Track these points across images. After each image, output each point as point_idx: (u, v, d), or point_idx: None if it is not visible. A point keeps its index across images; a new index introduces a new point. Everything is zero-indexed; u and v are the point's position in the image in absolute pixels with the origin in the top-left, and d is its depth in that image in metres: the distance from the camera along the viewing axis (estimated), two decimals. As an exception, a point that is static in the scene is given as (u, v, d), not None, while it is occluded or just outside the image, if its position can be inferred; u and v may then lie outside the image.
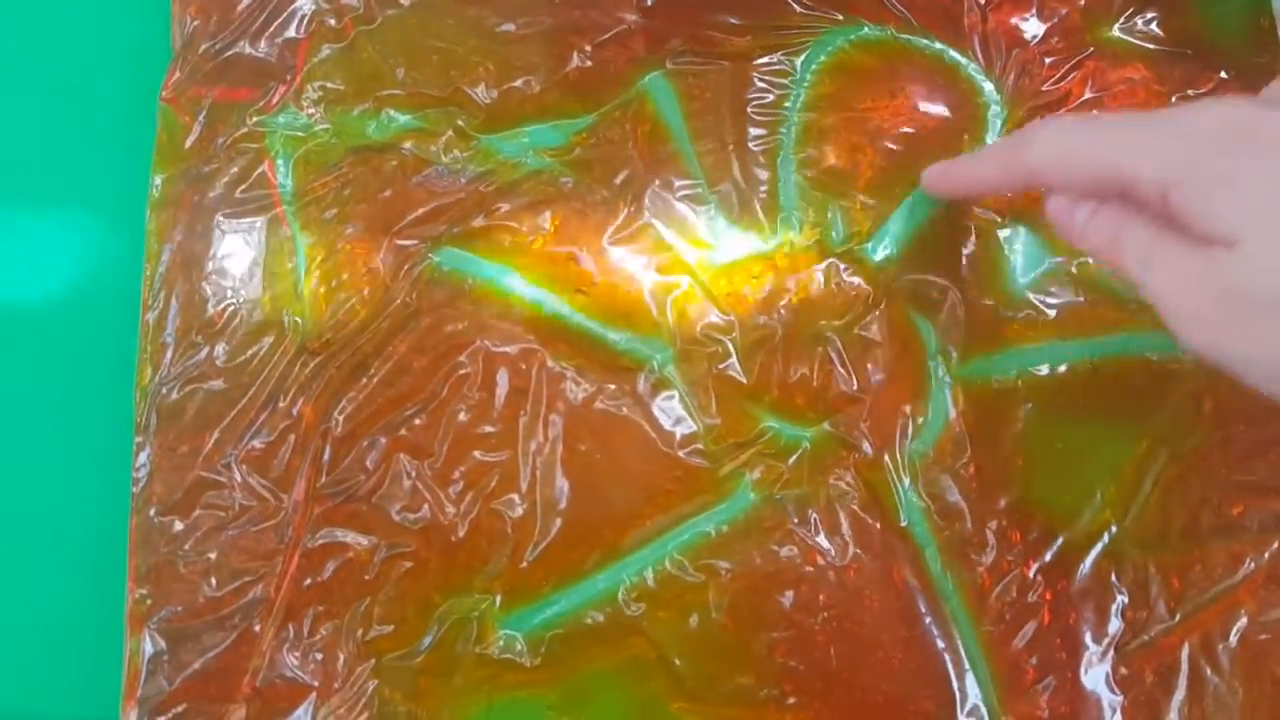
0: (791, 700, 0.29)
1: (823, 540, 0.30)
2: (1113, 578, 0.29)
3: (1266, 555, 0.30)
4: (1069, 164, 0.24)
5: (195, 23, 0.32)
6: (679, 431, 0.30)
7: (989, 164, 0.27)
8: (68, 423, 0.31)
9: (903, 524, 0.30)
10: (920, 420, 0.31)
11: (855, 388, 0.31)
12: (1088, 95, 0.33)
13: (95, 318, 0.32)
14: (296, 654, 0.28)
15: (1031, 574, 0.29)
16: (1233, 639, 0.29)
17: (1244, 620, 0.29)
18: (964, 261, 0.32)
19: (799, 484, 0.30)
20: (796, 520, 0.30)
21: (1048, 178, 0.25)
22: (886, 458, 0.30)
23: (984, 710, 0.28)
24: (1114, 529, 0.30)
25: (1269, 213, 0.20)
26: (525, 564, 0.29)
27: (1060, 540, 0.30)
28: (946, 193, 0.30)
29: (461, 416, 0.30)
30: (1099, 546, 0.30)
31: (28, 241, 0.32)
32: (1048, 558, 0.30)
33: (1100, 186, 0.24)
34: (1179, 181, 0.21)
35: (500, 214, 0.31)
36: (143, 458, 0.29)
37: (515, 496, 0.29)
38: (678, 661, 0.29)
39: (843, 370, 0.31)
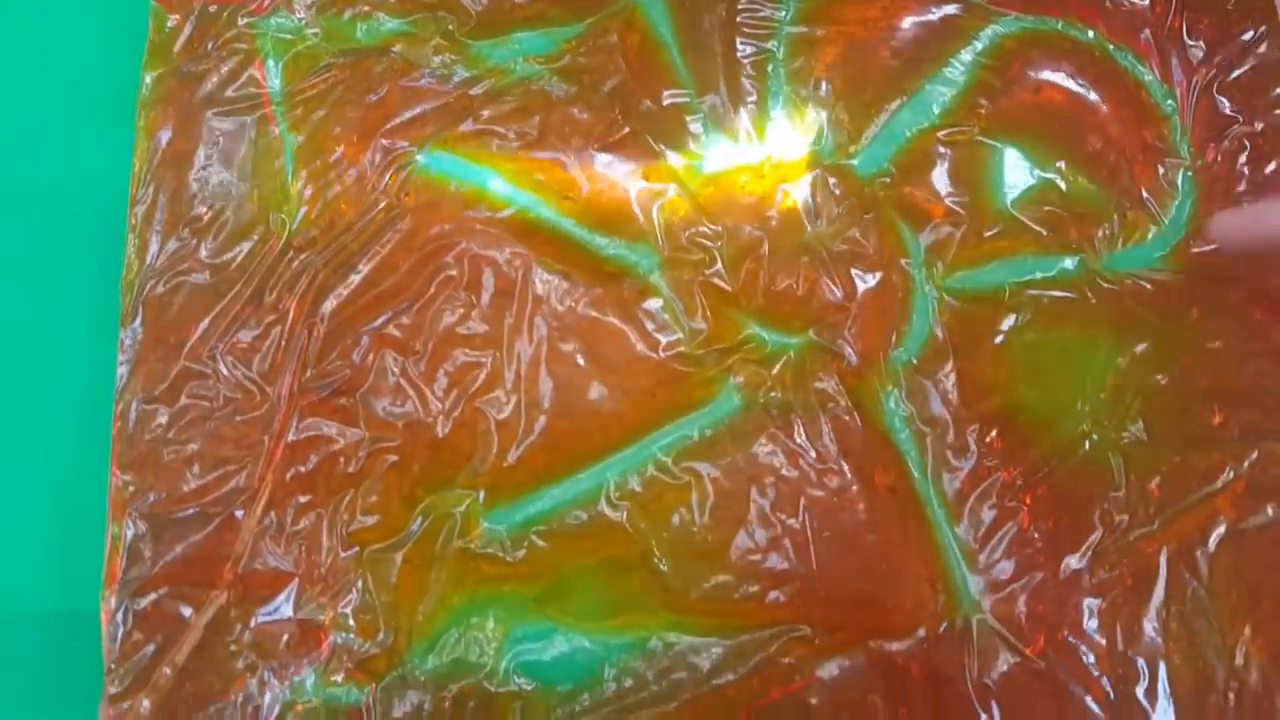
0: (771, 598, 0.29)
1: (805, 445, 0.30)
2: (1092, 483, 0.30)
3: (1246, 464, 0.30)
4: None
5: (187, -73, 0.32)
6: (664, 337, 0.30)
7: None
8: (53, 315, 0.31)
9: (885, 430, 0.30)
10: (904, 329, 0.31)
11: (840, 297, 0.31)
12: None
13: (82, 213, 0.32)
14: (279, 543, 0.28)
15: (1011, 479, 0.30)
16: (1211, 545, 0.29)
17: (1223, 528, 0.29)
18: (950, 175, 0.32)
19: (783, 390, 0.30)
20: (780, 425, 0.30)
21: None
22: (870, 366, 0.30)
23: (964, 609, 0.29)
24: (1094, 437, 0.30)
25: None
26: (509, 462, 0.29)
27: (1041, 447, 0.30)
28: (1231, 241, 0.30)
29: (447, 316, 0.30)
30: (1079, 453, 0.30)
31: (15, 138, 0.32)
32: (1028, 464, 0.30)
33: None
34: None
35: (487, 119, 0.31)
36: (127, 348, 0.29)
37: (500, 395, 0.30)
38: (659, 560, 0.29)
39: (828, 280, 0.31)
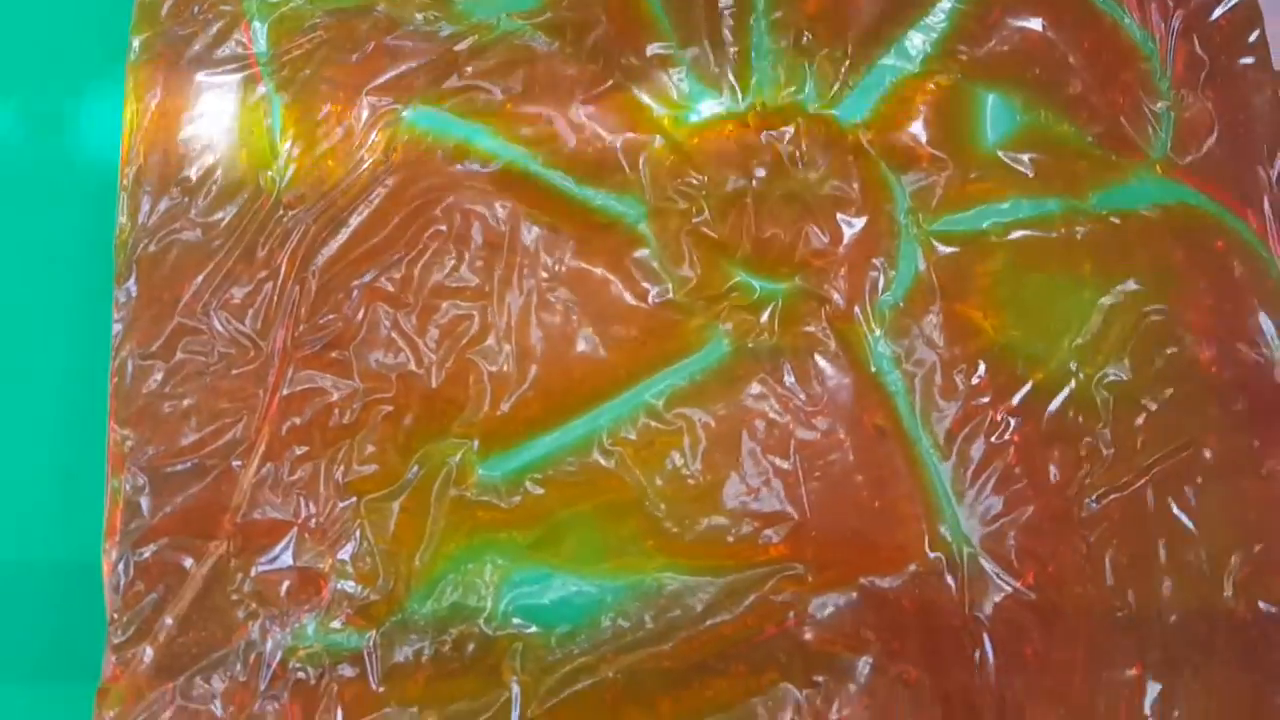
0: (764, 538, 0.29)
1: (795, 388, 0.30)
2: (1079, 420, 0.30)
3: (1237, 403, 0.30)
4: None
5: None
6: (652, 286, 0.31)
7: None
8: (47, 276, 0.31)
9: (873, 371, 0.30)
10: (891, 274, 0.31)
11: (827, 243, 0.31)
12: None
13: (73, 176, 0.32)
14: (277, 493, 0.28)
15: (999, 418, 0.30)
16: (1199, 480, 0.30)
17: (1210, 461, 0.30)
18: (933, 121, 0.32)
19: (772, 335, 0.30)
20: (769, 370, 0.30)
21: None
22: (857, 309, 0.31)
23: (954, 546, 0.29)
24: (1081, 375, 0.30)
25: None
26: (502, 411, 0.30)
27: (1028, 386, 0.30)
28: None
29: (437, 270, 0.30)
30: (1066, 391, 0.30)
31: (5, 103, 0.33)
32: (1015, 402, 0.30)
33: None
34: None
35: (472, 74, 0.32)
36: (122, 306, 0.29)
37: (491, 346, 0.30)
38: (652, 504, 0.29)
39: (814, 227, 0.31)
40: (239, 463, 0.28)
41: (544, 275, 0.30)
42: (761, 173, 0.31)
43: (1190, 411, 0.30)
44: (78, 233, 0.31)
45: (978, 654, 0.28)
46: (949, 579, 0.29)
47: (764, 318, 0.30)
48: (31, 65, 0.33)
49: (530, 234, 0.31)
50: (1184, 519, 0.29)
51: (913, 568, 0.29)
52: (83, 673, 0.28)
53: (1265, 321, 0.31)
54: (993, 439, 0.30)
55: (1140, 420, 0.30)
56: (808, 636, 0.28)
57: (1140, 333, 0.31)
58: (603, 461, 0.29)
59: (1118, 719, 0.28)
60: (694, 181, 0.31)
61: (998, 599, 0.29)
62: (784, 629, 0.29)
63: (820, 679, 0.28)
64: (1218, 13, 0.34)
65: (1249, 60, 0.33)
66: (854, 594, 0.29)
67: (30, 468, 0.30)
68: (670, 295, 0.30)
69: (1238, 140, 0.33)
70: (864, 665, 0.28)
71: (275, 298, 0.30)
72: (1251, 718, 0.28)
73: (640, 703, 0.28)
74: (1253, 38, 0.34)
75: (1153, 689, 0.28)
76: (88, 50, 0.33)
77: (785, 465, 0.30)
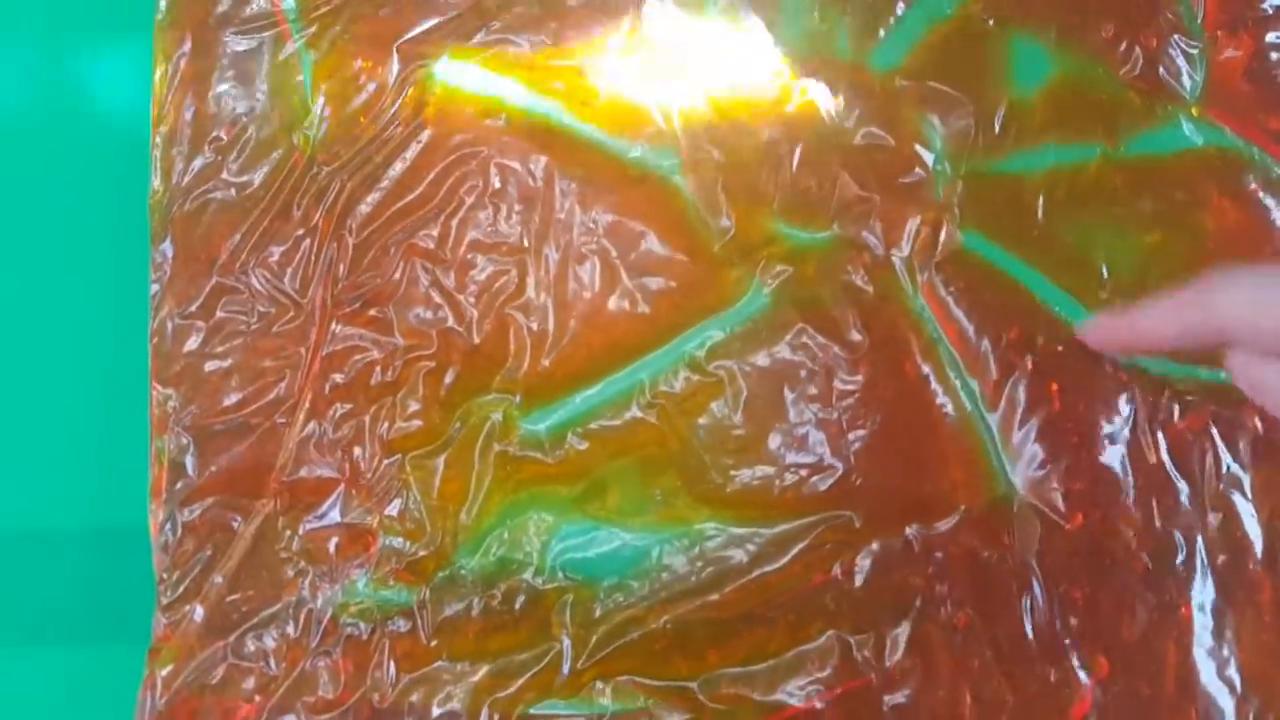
0: (808, 488, 0.29)
1: (836, 337, 0.30)
2: (1120, 368, 0.30)
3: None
4: (1265, 322, 0.21)
5: None
6: (689, 237, 0.30)
7: (1164, 320, 0.24)
8: (82, 239, 0.31)
9: (915, 319, 0.30)
10: (928, 220, 0.31)
11: (863, 191, 0.31)
12: None
13: (105, 138, 0.32)
14: (322, 451, 0.28)
15: (1040, 365, 0.30)
16: (1248, 421, 0.30)
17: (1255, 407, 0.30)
18: (967, 68, 0.32)
19: (811, 284, 0.30)
20: (809, 319, 0.30)
21: (1242, 336, 0.22)
22: (895, 257, 0.31)
23: (1000, 490, 0.29)
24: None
25: None
26: (543, 366, 0.29)
27: (1067, 332, 0.30)
28: (1109, 349, 0.28)
29: (473, 224, 0.30)
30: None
31: (34, 67, 0.32)
32: (1058, 349, 0.30)
33: None
34: None
35: (503, 28, 0.31)
36: (159, 267, 0.29)
37: (530, 301, 0.30)
38: (695, 457, 0.29)
39: (850, 174, 0.31)
40: (283, 421, 0.28)
41: (580, 229, 0.30)
42: (796, 123, 0.31)
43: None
44: (111, 196, 0.31)
45: (1027, 598, 0.28)
46: (996, 525, 0.29)
47: (803, 266, 0.30)
48: (58, 28, 0.33)
49: (565, 188, 0.30)
50: (1229, 460, 0.29)
51: (959, 514, 0.29)
52: (132, 634, 0.28)
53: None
54: (1036, 386, 0.30)
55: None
56: (855, 585, 0.28)
57: (1177, 275, 0.31)
58: (645, 415, 0.29)
59: (1167, 658, 0.28)
60: (728, 132, 0.31)
61: (1046, 544, 0.29)
62: (831, 578, 0.29)
63: (868, 627, 0.28)
64: (1250, -48, 0.34)
65: (1281, 1, 0.33)
66: (899, 542, 0.29)
67: (72, 431, 0.30)
68: (709, 248, 0.30)
69: (1270, 81, 0.33)
70: (912, 612, 0.28)
71: (313, 256, 0.29)
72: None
73: (688, 652, 0.28)
74: (1286, -24, 0.33)
75: (1203, 627, 0.28)
76: (114, 12, 0.32)
77: (828, 415, 0.29)
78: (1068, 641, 0.28)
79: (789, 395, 0.30)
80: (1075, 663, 0.28)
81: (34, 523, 0.30)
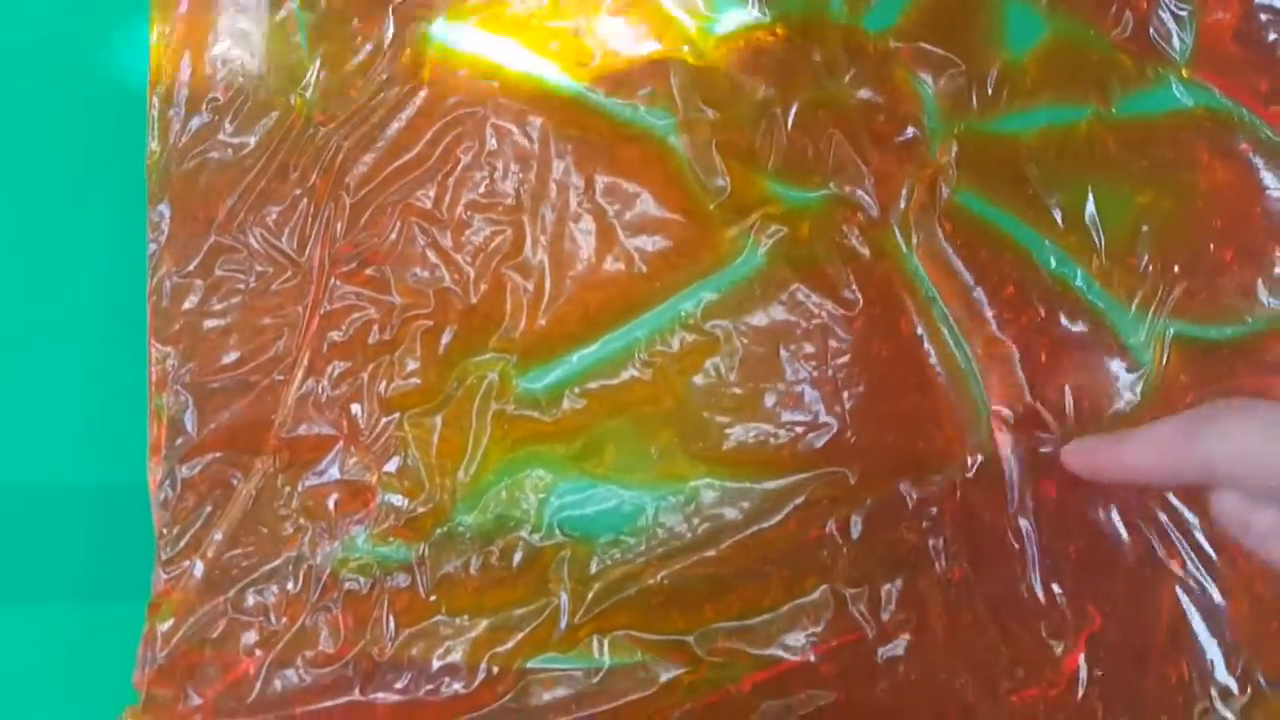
0: (803, 445, 0.29)
1: (830, 296, 0.30)
2: (1109, 325, 0.30)
3: (1262, 299, 0.31)
4: (1257, 468, 0.21)
5: None
6: (685, 197, 0.31)
7: (1149, 452, 0.23)
8: (78, 200, 0.31)
9: (910, 278, 0.30)
10: (922, 179, 0.31)
11: (857, 151, 0.31)
12: None
13: (102, 98, 0.32)
14: (320, 409, 0.28)
15: (1034, 322, 0.30)
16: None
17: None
18: (961, 30, 0.32)
19: (806, 244, 0.30)
20: (804, 278, 0.30)
21: (1231, 478, 0.21)
22: (890, 216, 0.31)
23: (994, 446, 0.29)
24: (1115, 278, 0.30)
25: None
26: (540, 325, 0.30)
27: (1057, 290, 0.30)
28: (1091, 477, 0.27)
29: (469, 185, 0.30)
30: (1098, 291, 0.30)
31: (33, 28, 0.32)
32: (1044, 312, 0.30)
33: None
34: None
35: (500, -11, 0.31)
36: (156, 226, 0.29)
37: (526, 260, 0.30)
38: (691, 414, 0.29)
39: (844, 134, 0.31)
40: (281, 378, 0.28)
41: (576, 189, 0.30)
42: (790, 83, 0.31)
43: (1219, 312, 0.30)
44: (108, 154, 0.31)
45: (1020, 552, 0.29)
46: (991, 482, 0.29)
47: (798, 225, 0.30)
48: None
49: (561, 148, 0.31)
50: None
51: (953, 470, 0.29)
52: (132, 590, 0.28)
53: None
54: (1028, 345, 0.30)
55: (1174, 318, 0.30)
56: (850, 540, 0.29)
57: (1169, 234, 0.31)
58: (641, 373, 0.30)
59: (1160, 616, 0.28)
60: (722, 92, 0.31)
61: (1038, 498, 0.29)
62: (826, 534, 0.29)
63: (863, 581, 0.29)
64: (1241, -86, 0.34)
65: (1272, -39, 0.33)
66: (895, 497, 0.29)
67: (72, 390, 0.30)
68: (704, 207, 0.30)
69: (1261, 43, 0.33)
70: (906, 567, 0.29)
71: (311, 215, 0.29)
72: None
73: (684, 607, 0.29)
74: (1276, -62, 0.34)
75: (1195, 582, 0.28)
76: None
77: (823, 373, 0.30)
78: (1059, 593, 0.28)
79: (784, 354, 0.30)
80: (1067, 615, 0.28)
81: (34, 479, 0.30)
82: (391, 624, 0.27)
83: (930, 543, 0.29)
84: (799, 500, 0.29)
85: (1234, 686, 0.28)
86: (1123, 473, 0.25)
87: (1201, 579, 0.28)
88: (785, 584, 0.29)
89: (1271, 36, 0.33)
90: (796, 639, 0.28)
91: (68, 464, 0.30)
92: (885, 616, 0.28)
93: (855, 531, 0.29)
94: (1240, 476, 0.21)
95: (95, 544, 0.30)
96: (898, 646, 0.28)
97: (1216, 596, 0.28)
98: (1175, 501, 0.29)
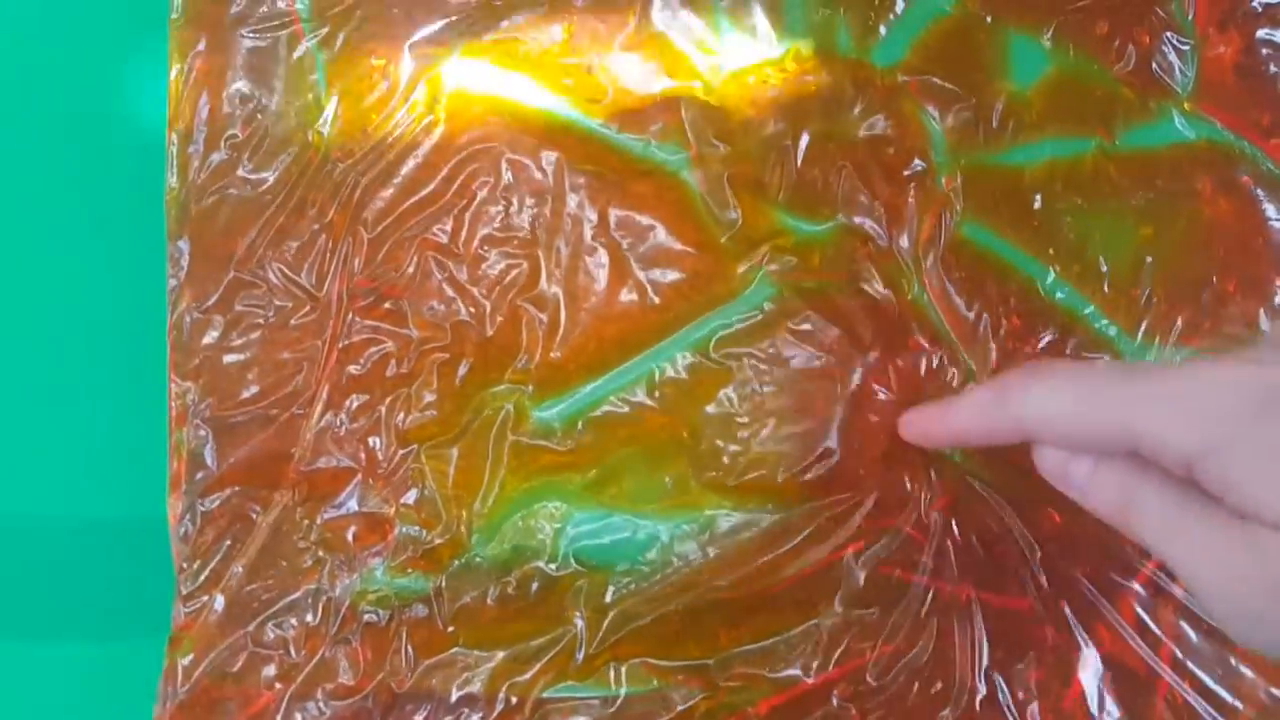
0: (812, 474, 0.30)
1: (840, 326, 0.31)
2: (1115, 356, 0.31)
3: (1265, 329, 0.31)
4: (1069, 424, 0.22)
5: None
6: (697, 230, 0.31)
7: (968, 416, 0.25)
8: (100, 236, 0.32)
9: (921, 308, 0.31)
10: (930, 211, 0.32)
11: (866, 183, 0.32)
12: None
13: (122, 135, 0.32)
14: (339, 442, 0.29)
15: (1038, 351, 0.31)
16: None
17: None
18: (967, 63, 0.33)
19: (816, 275, 0.31)
20: (815, 308, 0.31)
21: (1041, 435, 0.23)
22: (898, 247, 0.31)
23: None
24: (1117, 303, 0.31)
25: None
26: (555, 356, 0.30)
27: (1063, 320, 0.31)
28: (924, 442, 0.28)
29: (485, 219, 0.31)
30: (1104, 322, 0.31)
31: (51, 67, 0.33)
32: (1050, 343, 0.31)
33: (1105, 448, 0.22)
34: (1209, 452, 0.19)
35: (513, 26, 0.32)
36: (176, 262, 0.29)
37: (541, 293, 0.30)
38: (704, 444, 0.30)
39: (853, 167, 0.32)
40: (300, 412, 0.29)
41: (590, 223, 0.31)
42: (799, 117, 0.32)
43: (1228, 336, 0.31)
44: (128, 192, 0.31)
45: (1029, 574, 0.29)
46: (997, 505, 0.29)
47: (808, 258, 0.31)
48: (75, 28, 0.33)
49: (575, 182, 0.31)
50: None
51: (961, 496, 0.29)
52: (152, 625, 0.28)
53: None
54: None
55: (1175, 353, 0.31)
56: (861, 564, 0.29)
57: (1171, 266, 0.31)
58: (654, 404, 0.30)
59: (1161, 644, 0.29)
60: (734, 126, 0.32)
61: (1048, 523, 0.29)
62: (837, 558, 0.29)
63: (875, 603, 0.29)
64: (1240, -50, 0.34)
65: (1271, -3, 0.34)
66: (905, 523, 0.29)
67: (93, 425, 0.31)
68: (716, 240, 0.31)
69: (1261, 76, 0.34)
70: (917, 589, 0.29)
71: (329, 250, 0.30)
72: None
73: (700, 634, 0.29)
74: (1274, -27, 0.34)
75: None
76: (131, 10, 0.33)
77: (833, 403, 0.30)
78: (1069, 613, 0.29)
79: (794, 384, 0.30)
80: (1077, 634, 0.29)
81: (55, 513, 0.30)
82: (410, 655, 0.28)
83: (940, 567, 0.29)
84: (810, 528, 0.29)
85: None
86: (949, 436, 0.26)
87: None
88: (799, 608, 0.29)
89: (1272, 70, 0.33)
90: (811, 662, 0.29)
91: (88, 499, 0.30)
92: (899, 637, 0.29)
93: (868, 555, 0.29)
94: (1049, 433, 0.22)
95: (115, 579, 0.30)
96: (911, 665, 0.29)
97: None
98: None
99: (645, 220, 0.31)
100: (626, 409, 0.30)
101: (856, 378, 0.30)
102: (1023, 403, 0.22)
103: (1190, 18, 0.34)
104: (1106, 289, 0.31)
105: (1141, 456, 0.21)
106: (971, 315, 0.31)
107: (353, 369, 0.29)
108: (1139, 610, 0.28)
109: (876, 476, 0.30)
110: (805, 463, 0.30)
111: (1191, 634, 0.28)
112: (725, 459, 0.30)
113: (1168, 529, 0.20)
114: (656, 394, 0.30)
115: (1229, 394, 0.19)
